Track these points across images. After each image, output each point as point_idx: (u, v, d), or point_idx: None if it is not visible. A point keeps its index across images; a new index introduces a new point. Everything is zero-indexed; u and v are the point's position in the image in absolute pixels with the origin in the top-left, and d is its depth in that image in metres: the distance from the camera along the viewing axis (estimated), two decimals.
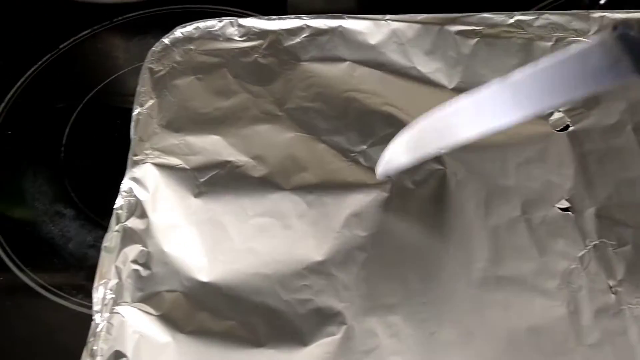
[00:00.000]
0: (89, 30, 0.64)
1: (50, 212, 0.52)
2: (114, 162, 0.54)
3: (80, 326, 0.45)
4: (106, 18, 0.64)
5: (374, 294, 0.41)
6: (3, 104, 0.58)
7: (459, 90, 0.50)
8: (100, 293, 0.41)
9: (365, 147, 0.47)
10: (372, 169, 0.45)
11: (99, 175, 0.54)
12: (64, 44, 0.63)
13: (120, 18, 0.65)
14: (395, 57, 0.52)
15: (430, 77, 0.51)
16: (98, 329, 0.39)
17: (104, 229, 0.50)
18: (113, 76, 0.61)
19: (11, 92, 0.59)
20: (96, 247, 0.49)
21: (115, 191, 0.52)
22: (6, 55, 0.62)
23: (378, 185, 0.45)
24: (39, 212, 0.52)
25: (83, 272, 0.48)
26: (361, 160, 0.47)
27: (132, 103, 0.59)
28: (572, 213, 0.44)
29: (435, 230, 0.44)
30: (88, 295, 0.46)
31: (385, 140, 0.46)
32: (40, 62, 0.61)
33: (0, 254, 0.49)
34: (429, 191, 0.45)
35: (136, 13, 0.65)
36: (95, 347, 0.38)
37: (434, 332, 0.39)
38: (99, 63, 0.63)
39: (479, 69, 0.51)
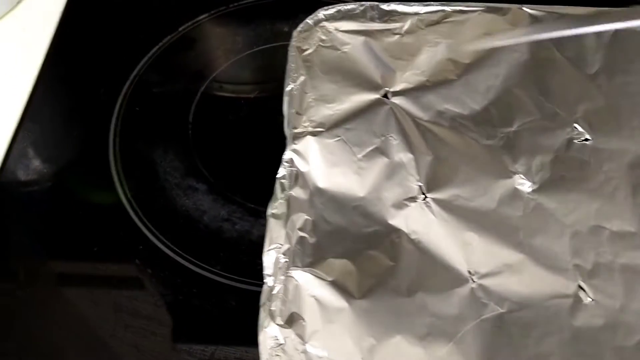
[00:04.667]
0: (206, 15, 0.65)
1: (183, 186, 0.53)
2: (240, 140, 0.55)
3: (220, 295, 0.46)
4: (223, 3, 0.66)
5: None
6: (129, 82, 0.60)
7: (601, 75, 0.51)
8: (271, 257, 0.41)
9: (512, 129, 0.48)
10: (515, 151, 0.47)
11: (227, 153, 0.55)
12: (183, 27, 0.64)
13: (235, 4, 0.66)
14: (535, 40, 0.53)
15: (573, 62, 0.52)
16: (274, 292, 0.40)
17: (237, 204, 0.51)
18: (233, 59, 0.62)
19: (135, 71, 0.61)
20: (230, 221, 0.50)
21: (245, 169, 0.53)
22: (129, 36, 0.64)
23: (520, 164, 0.46)
24: (172, 185, 0.53)
25: (220, 244, 0.49)
26: (504, 142, 0.48)
27: (251, 86, 0.60)
28: None
29: None
30: (226, 266, 0.48)
31: (529, 125, 0.48)
32: (161, 43, 0.63)
33: (138, 223, 0.50)
34: None
35: (251, 0, 0.66)
36: (273, 308, 0.39)
37: None
38: (218, 46, 0.64)
39: (619, 55, 0.52)
